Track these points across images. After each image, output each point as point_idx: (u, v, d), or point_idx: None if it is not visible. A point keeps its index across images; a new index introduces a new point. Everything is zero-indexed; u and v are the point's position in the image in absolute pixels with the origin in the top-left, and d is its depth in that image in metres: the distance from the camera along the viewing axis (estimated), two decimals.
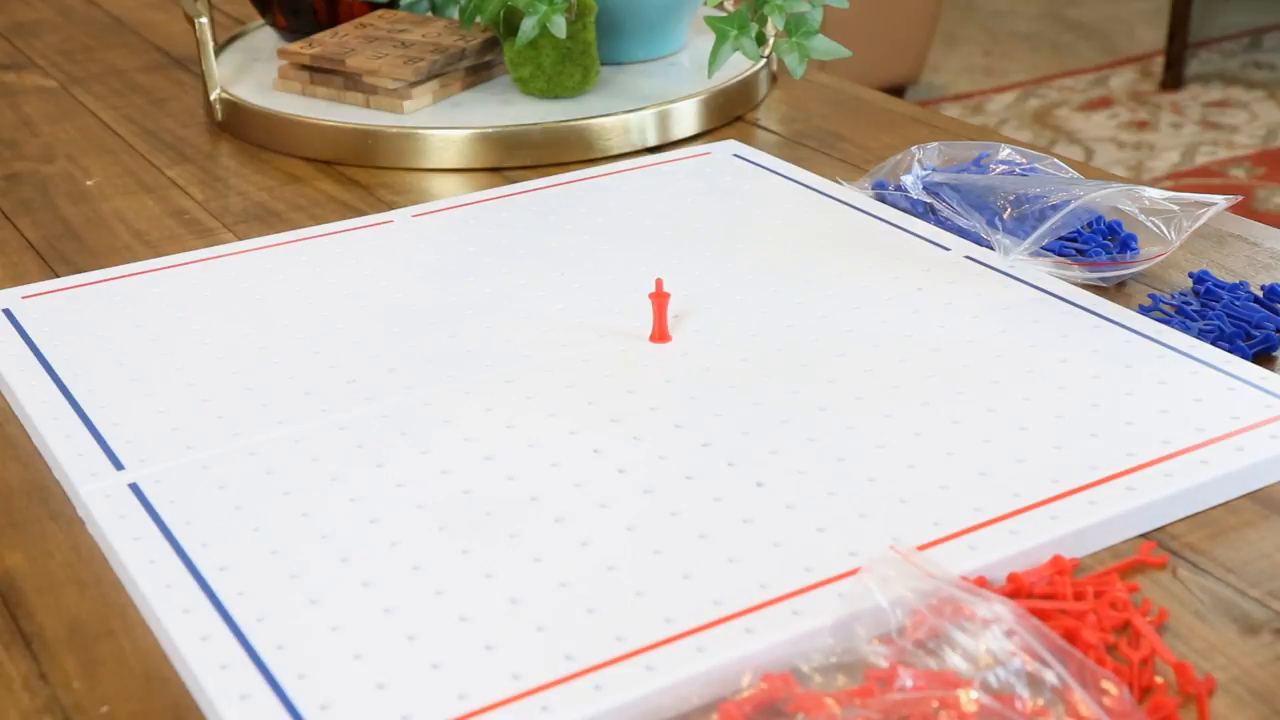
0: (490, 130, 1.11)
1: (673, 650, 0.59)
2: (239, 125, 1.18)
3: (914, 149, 1.00)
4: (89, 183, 1.11)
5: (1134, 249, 0.91)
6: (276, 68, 1.21)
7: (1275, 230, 0.96)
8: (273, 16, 1.30)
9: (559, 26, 1.10)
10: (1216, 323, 0.82)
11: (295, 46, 1.19)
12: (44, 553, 0.69)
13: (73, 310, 0.88)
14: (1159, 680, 0.58)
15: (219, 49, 1.28)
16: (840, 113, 1.20)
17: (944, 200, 0.95)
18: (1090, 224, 0.93)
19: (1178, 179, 3.08)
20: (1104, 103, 3.54)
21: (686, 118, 1.15)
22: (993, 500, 0.67)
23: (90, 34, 1.48)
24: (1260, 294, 0.86)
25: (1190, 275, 0.89)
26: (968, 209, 0.93)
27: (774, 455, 0.71)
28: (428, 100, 1.16)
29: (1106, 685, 0.54)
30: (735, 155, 1.09)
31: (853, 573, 0.62)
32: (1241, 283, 0.87)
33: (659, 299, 0.82)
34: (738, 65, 1.20)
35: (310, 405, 0.77)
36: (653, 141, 1.13)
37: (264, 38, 1.33)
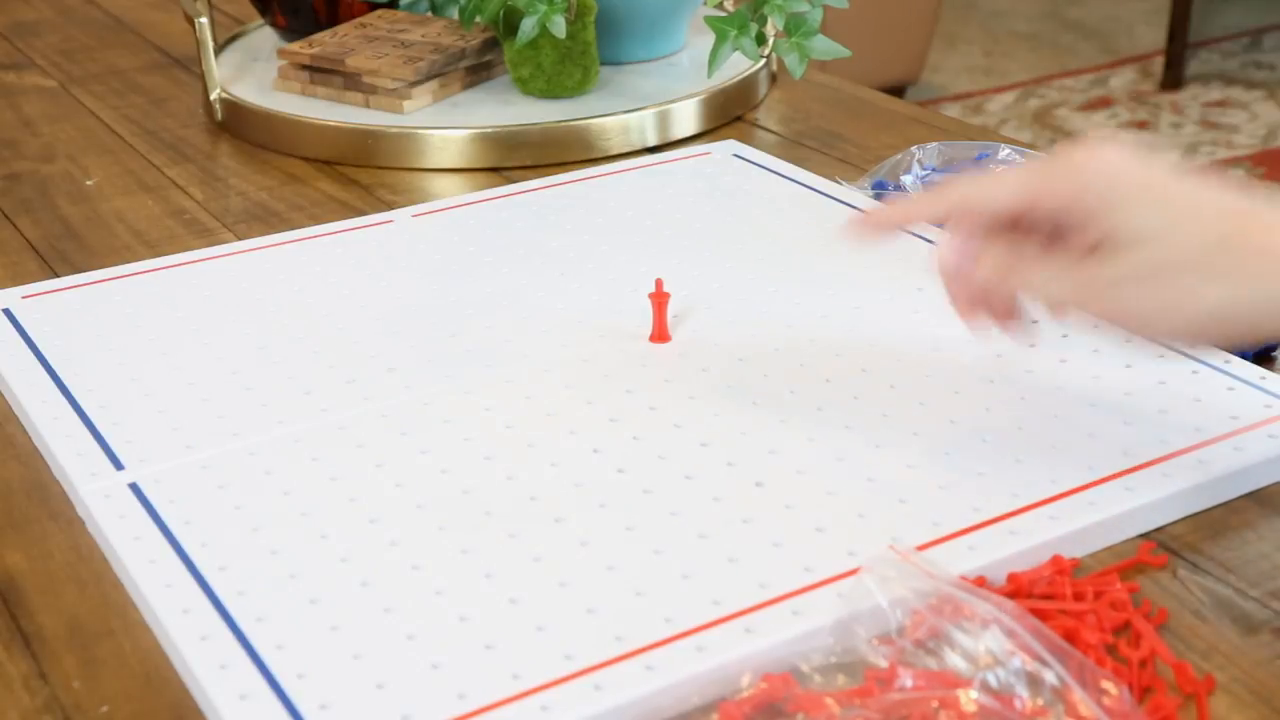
0: (490, 130, 1.11)
1: (672, 650, 0.59)
2: (239, 125, 1.18)
3: (914, 149, 1.00)
4: (89, 183, 1.11)
5: None
6: (276, 68, 1.21)
7: None
8: (273, 16, 1.30)
9: (559, 26, 1.10)
10: None
11: (295, 46, 1.19)
12: (44, 552, 0.69)
13: (73, 310, 0.88)
14: (1159, 680, 0.58)
15: (219, 49, 1.28)
16: (840, 113, 1.20)
17: None
18: None
19: None
20: (1104, 103, 3.54)
21: (686, 118, 1.15)
22: (992, 500, 0.67)
23: (90, 34, 1.48)
24: None
25: None
26: None
27: (773, 455, 0.71)
28: (427, 100, 1.16)
29: (1106, 685, 0.54)
30: (735, 155, 1.09)
31: (852, 573, 0.62)
32: None
33: (659, 299, 0.82)
34: (737, 65, 1.20)
35: (310, 405, 0.77)
36: (652, 141, 1.13)
37: (264, 38, 1.33)
